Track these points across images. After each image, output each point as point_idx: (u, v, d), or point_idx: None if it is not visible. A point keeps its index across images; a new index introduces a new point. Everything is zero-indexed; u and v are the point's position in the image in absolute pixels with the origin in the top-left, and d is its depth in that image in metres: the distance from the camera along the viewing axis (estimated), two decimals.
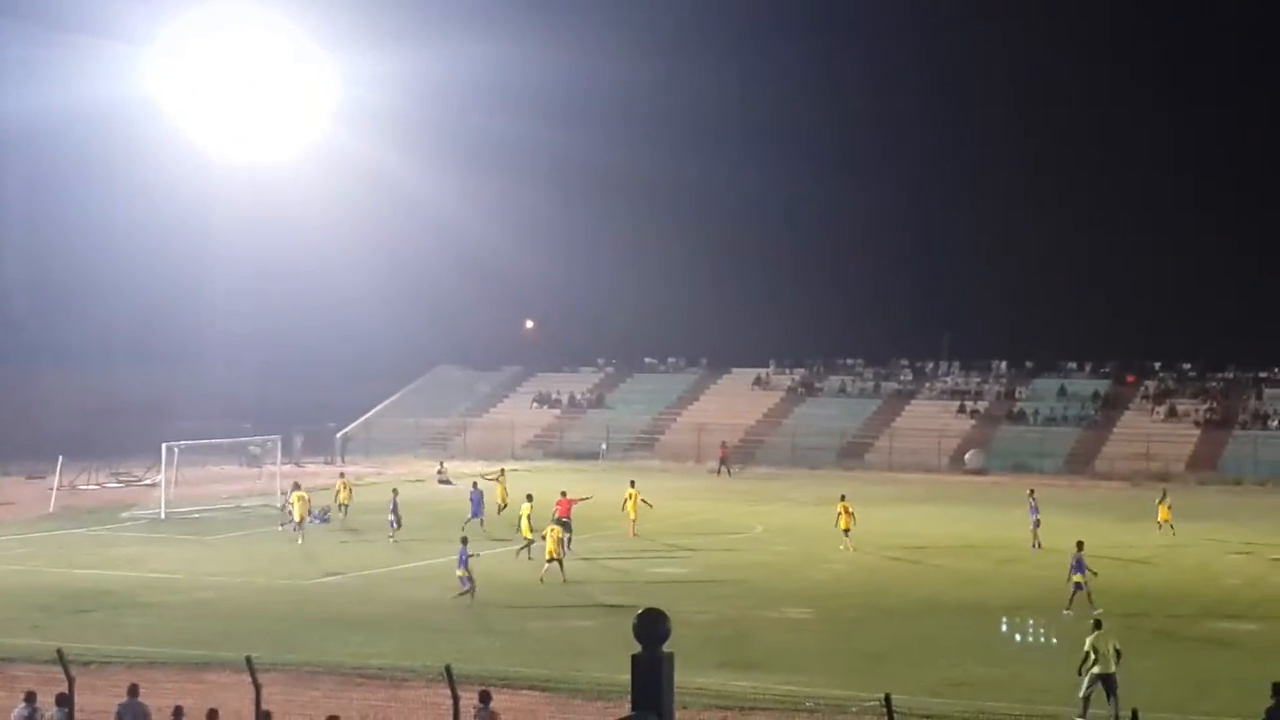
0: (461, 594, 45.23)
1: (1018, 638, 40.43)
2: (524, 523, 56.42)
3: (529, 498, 57.77)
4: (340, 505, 66.87)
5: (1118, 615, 43.19)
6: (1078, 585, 44.11)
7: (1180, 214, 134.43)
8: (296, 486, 63.96)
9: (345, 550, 58.16)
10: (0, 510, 69.75)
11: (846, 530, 59.18)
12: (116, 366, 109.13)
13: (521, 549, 55.05)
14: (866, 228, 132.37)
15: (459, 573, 45.54)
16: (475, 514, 61.58)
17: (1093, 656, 32.17)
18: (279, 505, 67.37)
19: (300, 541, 60.60)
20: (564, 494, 60.00)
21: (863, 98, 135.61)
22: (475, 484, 64.90)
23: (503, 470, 72.55)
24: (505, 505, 64.83)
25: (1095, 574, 44.38)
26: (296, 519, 61.70)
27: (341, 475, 71.82)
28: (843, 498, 62.61)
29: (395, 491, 65.25)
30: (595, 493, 64.47)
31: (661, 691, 4.55)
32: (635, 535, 57.62)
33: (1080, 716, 30.64)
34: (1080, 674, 32.19)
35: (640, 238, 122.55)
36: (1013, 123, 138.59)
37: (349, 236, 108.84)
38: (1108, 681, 31.96)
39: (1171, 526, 62.86)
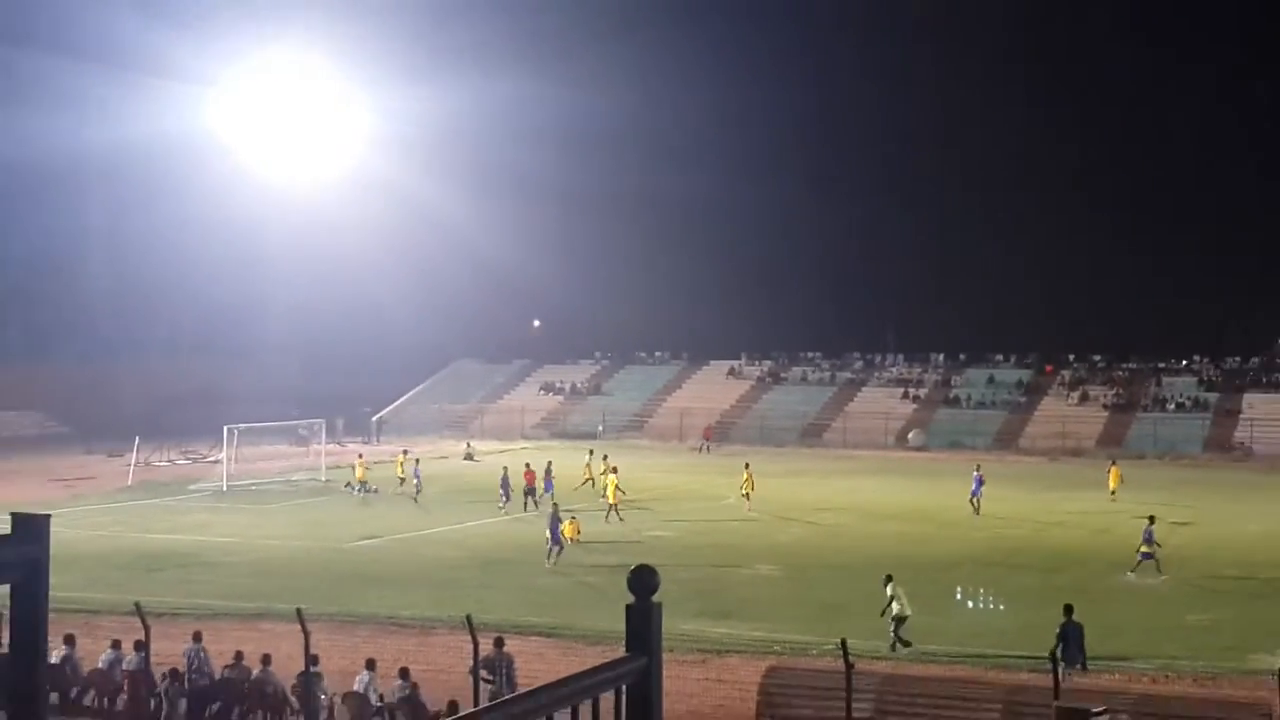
0: (552, 552, 45.63)
1: (959, 593, 40.76)
2: (611, 490, 57.70)
3: (614, 470, 59.53)
4: (362, 484, 66.51)
5: (1039, 570, 43.60)
6: (1145, 554, 43.93)
7: (1094, 225, 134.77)
8: (406, 452, 69.63)
9: (379, 516, 58.11)
10: (85, 483, 69.80)
11: (747, 495, 60.52)
12: (184, 360, 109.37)
13: (610, 510, 56.31)
14: (824, 239, 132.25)
15: (548, 536, 46.14)
16: (548, 489, 60.41)
17: (894, 604, 33.61)
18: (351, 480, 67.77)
19: (360, 495, 64.23)
20: (528, 465, 62.31)
21: (810, 123, 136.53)
22: (549, 467, 63.95)
23: (590, 451, 72.63)
24: (589, 479, 64.94)
25: (1160, 546, 44.19)
26: (359, 483, 65.45)
27: (360, 456, 71.75)
28: (746, 465, 64.41)
29: (417, 461, 67.00)
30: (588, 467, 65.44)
31: (652, 636, 4.75)
32: (614, 513, 56.98)
33: (892, 649, 31.04)
34: (885, 618, 33.45)
35: (631, 249, 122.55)
36: (941, 137, 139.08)
37: (381, 248, 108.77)
38: (903, 622, 33.36)
39: (1114, 491, 63.72)
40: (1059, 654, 29.31)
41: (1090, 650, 31.23)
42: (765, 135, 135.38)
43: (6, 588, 2.97)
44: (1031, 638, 30.48)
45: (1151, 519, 45.71)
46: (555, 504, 51.79)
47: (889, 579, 34.80)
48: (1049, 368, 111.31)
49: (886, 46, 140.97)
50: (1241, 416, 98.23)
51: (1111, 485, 64.88)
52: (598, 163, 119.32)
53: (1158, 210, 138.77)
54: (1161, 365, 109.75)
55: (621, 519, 55.44)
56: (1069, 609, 30.13)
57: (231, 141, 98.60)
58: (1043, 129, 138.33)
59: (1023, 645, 30.96)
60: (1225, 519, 57.09)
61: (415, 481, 64.14)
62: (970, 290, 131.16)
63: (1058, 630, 29.86)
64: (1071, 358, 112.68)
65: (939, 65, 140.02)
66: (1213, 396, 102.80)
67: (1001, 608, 38.60)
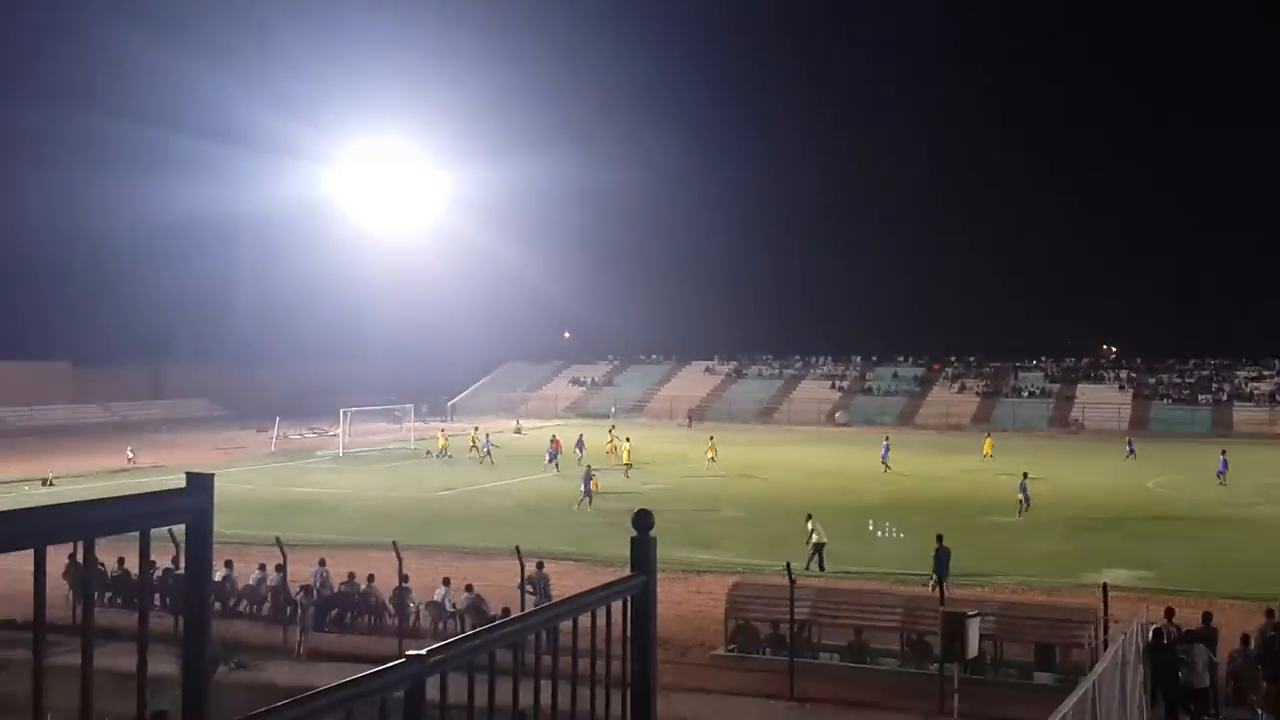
0: (581, 502, 45.70)
1: (871, 527, 40.81)
2: (626, 454, 58.79)
3: (627, 439, 61.22)
4: (443, 450, 66.93)
5: (929, 512, 43.54)
6: (1022, 501, 44.60)
7: (968, 257, 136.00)
8: (477, 428, 71.00)
9: (452, 474, 58.00)
10: (239, 451, 69.90)
11: (712, 458, 61.51)
12: (311, 362, 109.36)
13: (628, 469, 56.86)
14: (773, 273, 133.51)
15: (582, 489, 46.50)
16: (579, 453, 61.18)
17: (814, 535, 33.83)
18: (437, 447, 68.06)
19: (439, 459, 64.33)
20: (554, 436, 63.48)
21: (762, 189, 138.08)
22: (580, 439, 64.49)
23: (612, 427, 74.08)
24: (613, 446, 63.61)
25: (1026, 499, 44.72)
26: (440, 450, 66.36)
27: (441, 430, 72.08)
28: (711, 437, 65.67)
29: (488, 435, 67.08)
30: (606, 437, 65.47)
31: (649, 561, 4.76)
32: (629, 470, 57.16)
33: (805, 569, 30.92)
34: (807, 545, 33.62)
35: (635, 280, 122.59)
36: (856, 189, 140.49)
37: (454, 280, 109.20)
38: (822, 549, 33.48)
39: (991, 456, 64.01)
40: (933, 571, 29.69)
41: (966, 570, 31.37)
42: (728, 197, 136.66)
43: (183, 526, 2.97)
44: (924, 562, 30.50)
45: (1025, 475, 45.99)
46: (588, 465, 51.85)
47: (809, 517, 35.17)
48: (936, 365, 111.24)
49: (805, 108, 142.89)
50: (1075, 401, 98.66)
51: (986, 451, 65.20)
52: (611, 216, 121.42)
53: (1013, 247, 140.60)
54: (1018, 364, 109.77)
55: (627, 477, 55.46)
56: (939, 538, 30.35)
57: (345, 205, 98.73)
58: (922, 172, 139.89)
59: (918, 566, 31.24)
60: (1064, 476, 57.15)
61: (485, 449, 64.18)
62: (879, 308, 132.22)
63: (934, 553, 30.15)
64: (953, 358, 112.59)
65: (851, 116, 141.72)
66: (1055, 387, 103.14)
67: (902, 536, 38.68)
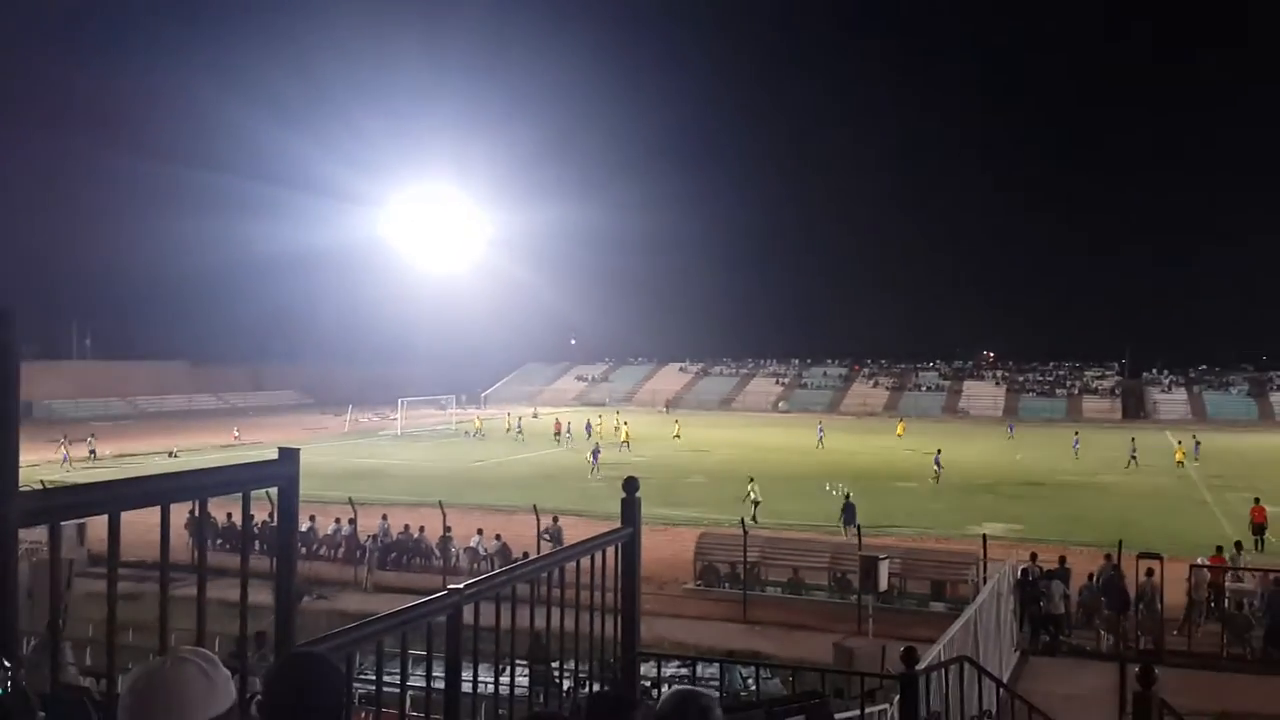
0: (594, 471, 45.57)
1: (828, 487, 40.73)
2: (625, 434, 58.46)
3: (625, 422, 62.12)
4: (479, 430, 66.84)
5: (852, 478, 43.38)
6: (937, 470, 44.18)
7: (870, 279, 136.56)
8: (509, 413, 71.31)
9: (485, 449, 57.78)
10: (321, 431, 69.44)
11: (677, 435, 62.11)
12: (377, 362, 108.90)
13: (623, 444, 56.72)
14: (729, 295, 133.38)
15: (589, 459, 46.83)
16: (588, 434, 60.78)
17: (751, 493, 34.05)
18: (475, 428, 67.89)
19: (475, 438, 63.66)
20: (557, 419, 63.86)
21: (717, 225, 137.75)
22: (588, 423, 64.13)
23: (618, 412, 74.42)
24: (618, 428, 63.28)
25: (943, 467, 44.51)
26: (476, 430, 66.43)
27: (477, 415, 71.98)
28: (676, 421, 66.36)
29: (520, 419, 67.08)
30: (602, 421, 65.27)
31: (635, 516, 4.77)
32: (625, 446, 57.14)
33: (753, 522, 30.91)
34: (746, 501, 33.68)
35: (626, 299, 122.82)
36: (794, 218, 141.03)
37: (488, 301, 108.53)
38: (758, 505, 33.63)
39: (900, 435, 64.31)
40: (842, 520, 29.85)
41: (879, 523, 31.38)
42: (700, 233, 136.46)
43: (275, 489, 2.97)
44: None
45: (939, 451, 45.79)
46: (597, 442, 52.51)
47: (750, 479, 35.49)
48: (856, 366, 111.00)
49: (756, 165, 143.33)
50: (962, 394, 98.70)
51: (899, 432, 65.20)
52: (608, 247, 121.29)
53: (913, 274, 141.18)
54: (918, 365, 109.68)
55: (629, 449, 55.41)
56: (848, 494, 31.07)
57: (397, 244, 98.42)
58: (843, 211, 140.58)
59: (837, 520, 31.06)
60: (955, 451, 57.06)
61: (518, 429, 64.61)
62: (813, 322, 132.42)
63: (842, 507, 30.86)
64: (869, 361, 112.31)
65: (787, 169, 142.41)
66: (946, 383, 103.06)
67: (835, 494, 38.62)
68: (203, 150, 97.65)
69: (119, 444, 55.63)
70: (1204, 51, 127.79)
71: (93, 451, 49.90)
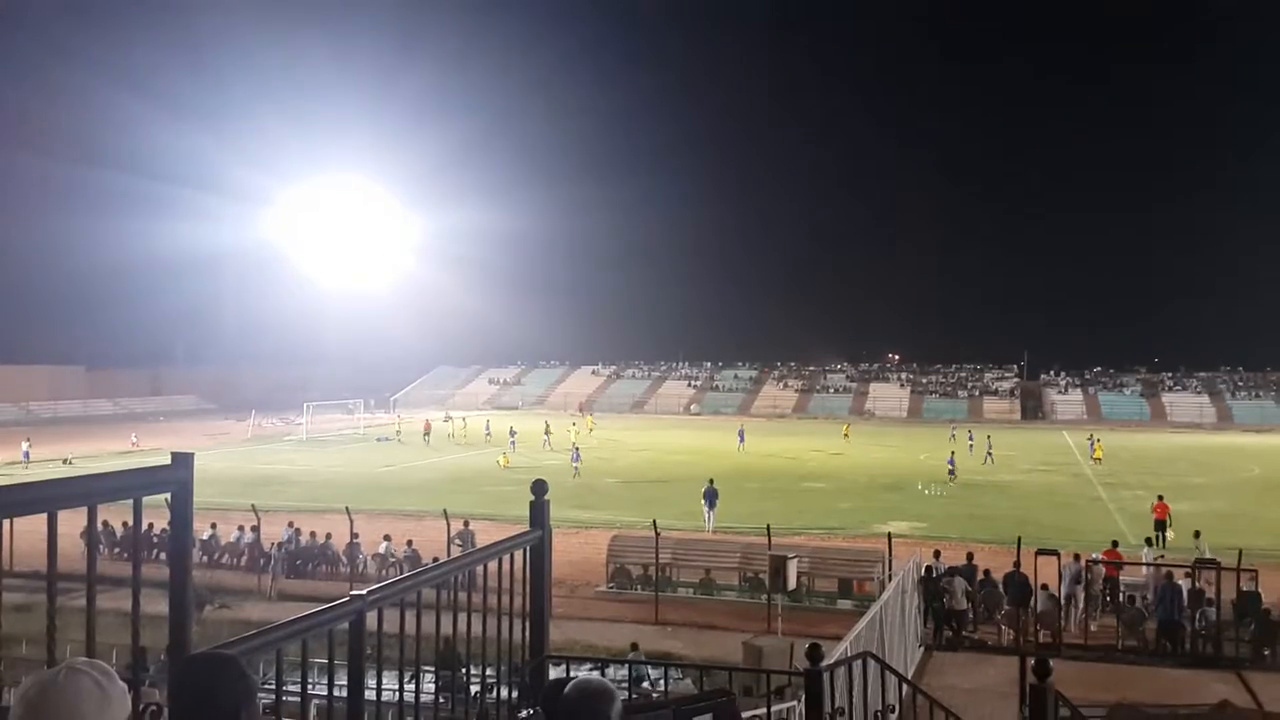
0: (576, 472, 45.28)
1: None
2: (575, 435, 58.42)
3: (574, 424, 63.28)
4: (397, 433, 66.34)
5: (760, 479, 44.00)
6: (950, 471, 45.02)
7: (789, 283, 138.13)
8: (447, 416, 71.45)
9: (393, 454, 57.08)
10: (222, 436, 67.54)
11: (591, 430, 63.03)
12: (282, 365, 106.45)
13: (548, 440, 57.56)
14: (645, 294, 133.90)
15: (574, 463, 46.41)
16: (544, 441, 60.57)
17: (710, 487, 33.97)
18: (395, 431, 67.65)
19: (385, 442, 62.86)
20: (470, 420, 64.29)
21: (654, 240, 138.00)
22: (547, 426, 64.07)
23: (582, 408, 74.00)
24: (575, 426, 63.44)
25: (955, 471, 45.16)
26: (397, 433, 66.49)
27: (398, 417, 71.06)
28: (590, 419, 65.44)
29: (464, 418, 66.22)
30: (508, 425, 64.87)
31: (544, 519, 4.74)
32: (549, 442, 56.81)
33: (709, 511, 31.31)
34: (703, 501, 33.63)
35: (537, 303, 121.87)
36: (697, 222, 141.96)
37: (399, 303, 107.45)
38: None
39: (848, 437, 65.87)
40: (705, 507, 31.68)
41: (789, 523, 31.74)
42: (611, 238, 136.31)
43: (168, 495, 2.90)
44: (761, 518, 30.74)
45: (953, 452, 48.06)
46: (575, 444, 51.15)
47: (710, 480, 35.13)
48: (766, 368, 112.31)
49: (681, 179, 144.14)
50: (869, 396, 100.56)
51: (845, 434, 66.17)
52: (519, 249, 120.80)
53: (822, 280, 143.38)
54: (826, 367, 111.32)
55: (548, 448, 55.04)
56: (711, 481, 32.93)
57: (308, 238, 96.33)
58: (754, 222, 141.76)
59: (752, 521, 31.17)
60: (862, 451, 58.28)
61: (464, 427, 65.67)
62: (724, 325, 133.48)
63: (704, 492, 32.70)
64: (778, 363, 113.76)
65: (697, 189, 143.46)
66: (853, 384, 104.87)
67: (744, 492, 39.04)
68: (100, 148, 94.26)
69: (10, 451, 53.43)
70: (1095, 59, 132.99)
71: None
